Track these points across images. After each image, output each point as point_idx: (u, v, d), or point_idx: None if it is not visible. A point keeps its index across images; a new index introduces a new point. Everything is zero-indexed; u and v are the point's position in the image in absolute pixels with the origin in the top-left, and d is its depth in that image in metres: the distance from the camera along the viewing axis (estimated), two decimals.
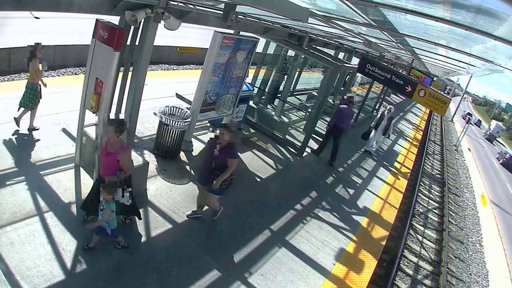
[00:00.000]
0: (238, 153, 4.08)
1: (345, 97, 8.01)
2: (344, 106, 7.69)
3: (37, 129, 5.22)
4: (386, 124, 9.38)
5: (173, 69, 12.00)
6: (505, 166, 27.20)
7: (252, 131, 8.08)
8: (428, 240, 8.86)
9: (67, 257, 3.41)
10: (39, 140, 5.01)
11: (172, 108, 5.71)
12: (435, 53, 7.18)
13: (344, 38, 7.46)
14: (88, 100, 4.19)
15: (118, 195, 3.35)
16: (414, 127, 18.31)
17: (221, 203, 4.62)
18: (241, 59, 6.21)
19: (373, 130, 9.55)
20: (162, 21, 3.87)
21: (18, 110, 5.08)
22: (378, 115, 9.65)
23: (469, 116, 44.10)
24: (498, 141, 38.80)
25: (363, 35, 5.92)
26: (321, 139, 9.08)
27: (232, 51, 5.85)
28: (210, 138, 4.21)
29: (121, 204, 3.49)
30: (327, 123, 8.28)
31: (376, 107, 16.51)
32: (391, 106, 9.56)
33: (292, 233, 5.10)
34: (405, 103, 24.88)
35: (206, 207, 4.66)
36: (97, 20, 3.88)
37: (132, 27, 4.00)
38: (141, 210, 4.38)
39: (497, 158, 29.21)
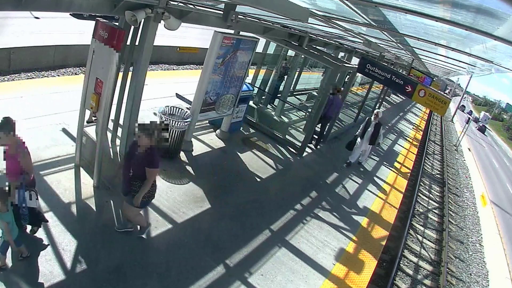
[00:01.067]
0: (159, 161, 3.44)
1: (335, 88, 8.57)
2: (334, 95, 8.26)
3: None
4: (372, 132, 8.05)
5: (173, 69, 12.01)
6: (480, 130, 45.49)
7: (252, 131, 8.09)
8: (428, 240, 8.86)
9: (67, 257, 3.41)
10: (39, 140, 5.01)
11: (172, 108, 5.71)
12: (435, 53, 7.18)
13: (344, 38, 7.46)
14: (88, 100, 4.19)
15: (25, 198, 3.18)
16: (414, 127, 18.31)
17: (148, 220, 4.11)
18: (241, 59, 6.21)
19: (359, 139, 8.25)
20: (162, 21, 3.88)
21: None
22: (364, 122, 8.33)
23: (463, 107, 61.48)
24: (486, 127, 53.65)
25: (363, 35, 5.92)
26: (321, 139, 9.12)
27: (232, 51, 5.86)
28: (133, 141, 3.55)
29: (30, 212, 3.27)
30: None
31: (376, 107, 16.50)
32: (378, 110, 8.25)
33: (292, 233, 5.10)
34: (405, 103, 24.89)
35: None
36: (97, 20, 3.89)
37: (132, 27, 4.00)
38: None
39: (476, 127, 45.36)
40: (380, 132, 8.14)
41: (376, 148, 8.94)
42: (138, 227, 3.98)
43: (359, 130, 8.39)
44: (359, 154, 8.49)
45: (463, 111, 59.01)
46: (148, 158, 3.35)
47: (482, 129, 47.99)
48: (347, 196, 7.04)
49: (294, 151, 7.87)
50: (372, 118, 8.11)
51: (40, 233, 3.54)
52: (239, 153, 6.81)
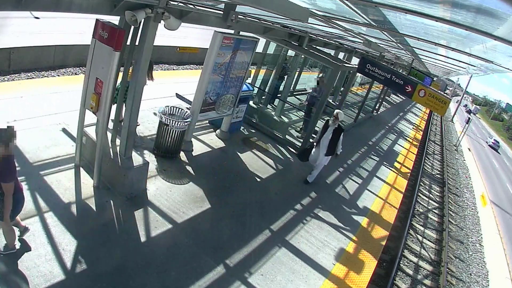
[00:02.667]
0: (13, 170, 2.94)
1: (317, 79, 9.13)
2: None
3: (138, 125, 5.44)
4: (331, 138, 6.14)
5: (173, 69, 12.00)
6: (468, 112, 54.04)
7: (252, 131, 8.09)
8: (428, 240, 8.86)
9: (67, 257, 3.41)
10: (39, 140, 5.01)
11: (172, 108, 5.71)
12: (435, 53, 7.18)
13: (344, 38, 7.47)
14: (88, 100, 4.19)
15: None
16: (414, 127, 18.31)
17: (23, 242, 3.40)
18: (241, 59, 6.21)
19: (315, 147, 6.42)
20: (162, 21, 3.87)
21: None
22: (322, 125, 6.44)
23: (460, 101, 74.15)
24: (476, 116, 66.97)
25: (363, 35, 5.93)
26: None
27: (232, 51, 5.86)
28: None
29: None
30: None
31: (376, 107, 16.50)
32: (338, 111, 6.20)
33: (292, 233, 5.10)
34: (405, 103, 24.89)
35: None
36: (97, 20, 3.89)
37: (132, 27, 4.00)
38: (141, 210, 4.39)
39: (466, 112, 51.05)
40: (340, 139, 6.26)
41: (335, 156, 6.59)
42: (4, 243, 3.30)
43: (318, 135, 6.49)
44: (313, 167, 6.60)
45: (467, 120, 69.29)
46: (3, 170, 2.86)
47: (469, 112, 63.04)
48: (347, 196, 7.04)
49: (294, 151, 7.87)
50: (331, 120, 6.17)
51: (41, 233, 3.54)
52: (239, 153, 6.81)
